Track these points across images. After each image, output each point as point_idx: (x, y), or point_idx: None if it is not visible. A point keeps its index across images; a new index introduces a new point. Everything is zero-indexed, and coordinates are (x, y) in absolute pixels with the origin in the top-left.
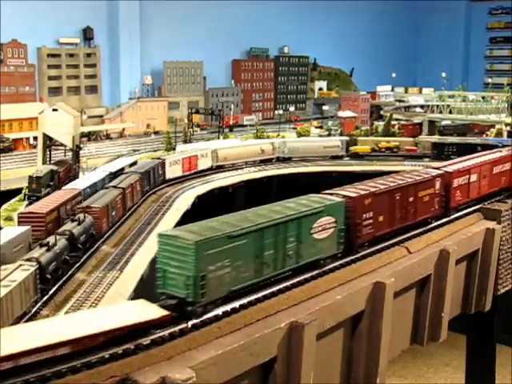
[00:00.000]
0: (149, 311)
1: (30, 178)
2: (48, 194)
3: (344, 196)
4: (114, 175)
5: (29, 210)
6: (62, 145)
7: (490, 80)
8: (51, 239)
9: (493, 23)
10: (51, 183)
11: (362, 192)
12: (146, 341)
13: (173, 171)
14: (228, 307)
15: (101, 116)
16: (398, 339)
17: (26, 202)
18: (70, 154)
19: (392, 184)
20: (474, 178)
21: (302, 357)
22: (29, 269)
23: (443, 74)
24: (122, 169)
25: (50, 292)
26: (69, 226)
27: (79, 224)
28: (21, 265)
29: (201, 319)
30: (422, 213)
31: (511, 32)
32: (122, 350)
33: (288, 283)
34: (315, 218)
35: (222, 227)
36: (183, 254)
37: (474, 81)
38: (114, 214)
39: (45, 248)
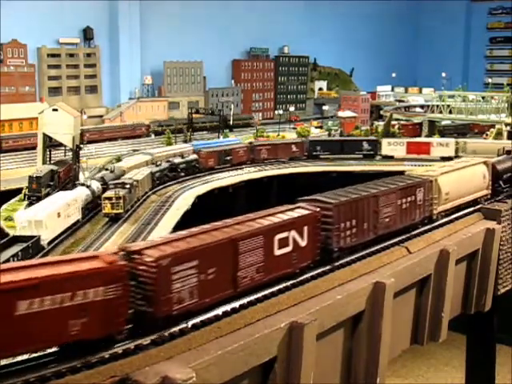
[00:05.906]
0: None
1: (30, 177)
2: (48, 194)
3: None
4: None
5: None
6: (62, 145)
7: (489, 80)
8: (159, 162)
9: (493, 23)
10: (51, 183)
11: None
12: (146, 341)
13: (392, 150)
14: (228, 307)
15: (101, 116)
16: (398, 339)
17: (26, 202)
18: (70, 153)
19: None
20: None
21: (302, 357)
22: (148, 171)
23: (443, 74)
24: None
25: (154, 189)
26: (174, 159)
27: (182, 157)
28: (141, 171)
29: (201, 319)
30: None
31: (511, 32)
32: (121, 349)
33: (288, 283)
34: None
35: None
36: None
37: (473, 81)
38: (227, 158)
39: (155, 165)
